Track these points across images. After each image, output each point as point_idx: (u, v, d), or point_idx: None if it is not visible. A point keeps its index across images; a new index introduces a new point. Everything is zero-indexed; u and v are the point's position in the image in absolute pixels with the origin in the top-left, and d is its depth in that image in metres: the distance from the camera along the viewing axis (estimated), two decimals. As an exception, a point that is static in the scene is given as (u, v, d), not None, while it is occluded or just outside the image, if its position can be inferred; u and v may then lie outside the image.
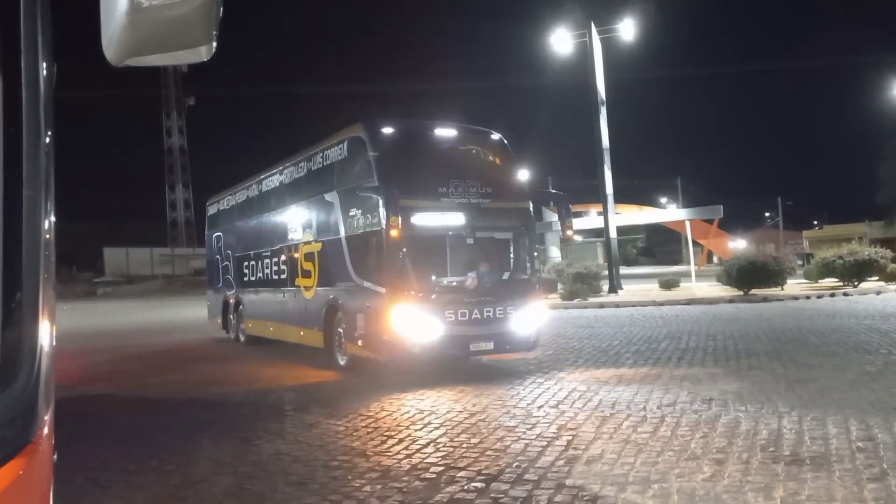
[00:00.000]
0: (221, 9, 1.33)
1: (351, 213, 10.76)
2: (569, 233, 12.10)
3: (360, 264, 10.51)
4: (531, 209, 11.10)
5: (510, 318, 10.08)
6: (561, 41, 29.32)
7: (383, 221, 9.53)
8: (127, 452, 6.41)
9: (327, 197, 11.57)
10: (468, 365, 10.78)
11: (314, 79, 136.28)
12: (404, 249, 9.68)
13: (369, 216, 10.15)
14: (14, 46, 1.35)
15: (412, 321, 9.57)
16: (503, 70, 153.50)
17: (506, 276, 10.58)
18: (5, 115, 1.36)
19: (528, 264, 10.87)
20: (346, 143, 11.08)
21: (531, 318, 10.44)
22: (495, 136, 11.33)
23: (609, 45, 29.62)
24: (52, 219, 1.44)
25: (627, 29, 29.06)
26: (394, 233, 9.32)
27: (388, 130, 10.69)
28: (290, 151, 13.30)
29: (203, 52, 1.37)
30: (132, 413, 8.52)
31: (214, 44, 1.35)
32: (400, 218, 9.32)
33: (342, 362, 11.07)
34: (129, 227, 65.33)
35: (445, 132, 11.07)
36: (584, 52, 28.73)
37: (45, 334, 1.40)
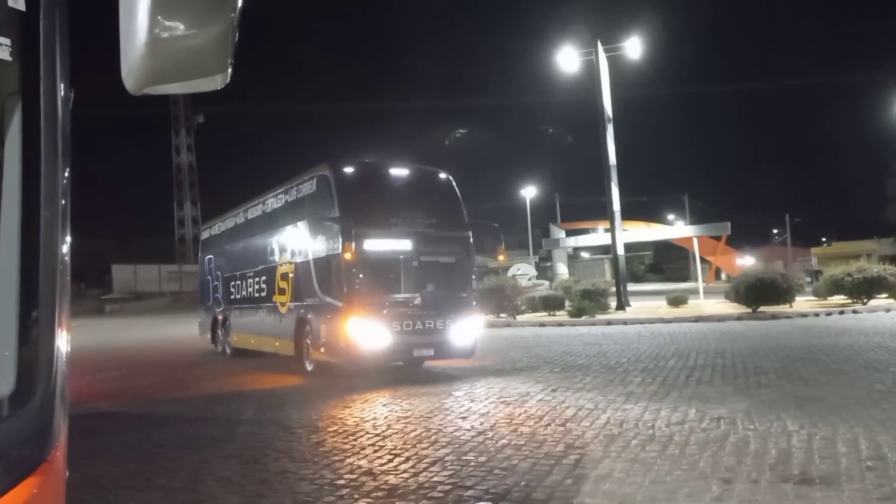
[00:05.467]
0: (237, 37, 1.35)
1: (317, 239, 12.33)
2: (500, 258, 14.16)
3: (323, 283, 12.05)
4: (470, 237, 12.58)
5: (449, 329, 11.72)
6: (568, 59, 29.55)
7: (341, 246, 11.09)
8: (135, 470, 6.43)
9: (299, 225, 13.16)
10: (478, 383, 10.78)
11: (322, 96, 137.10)
12: (359, 270, 11.34)
13: (331, 241, 11.71)
14: (34, 74, 1.38)
15: (364, 330, 11.18)
16: (511, 88, 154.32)
17: (446, 293, 11.85)
18: (24, 141, 1.39)
19: (467, 284, 12.42)
20: (314, 180, 12.70)
21: (468, 329, 12.10)
22: (442, 174, 12.99)
23: (616, 63, 29.80)
24: (68, 240, 1.47)
25: (634, 47, 29.30)
26: (348, 256, 11.00)
27: (349, 169, 12.31)
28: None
29: (218, 80, 1.39)
30: (140, 430, 8.53)
31: (230, 71, 1.38)
32: (354, 243, 10.98)
33: (309, 368, 12.62)
34: (137, 244, 65.66)
35: (398, 171, 12.73)
36: (591, 70, 28.91)
37: (61, 354, 1.42)
